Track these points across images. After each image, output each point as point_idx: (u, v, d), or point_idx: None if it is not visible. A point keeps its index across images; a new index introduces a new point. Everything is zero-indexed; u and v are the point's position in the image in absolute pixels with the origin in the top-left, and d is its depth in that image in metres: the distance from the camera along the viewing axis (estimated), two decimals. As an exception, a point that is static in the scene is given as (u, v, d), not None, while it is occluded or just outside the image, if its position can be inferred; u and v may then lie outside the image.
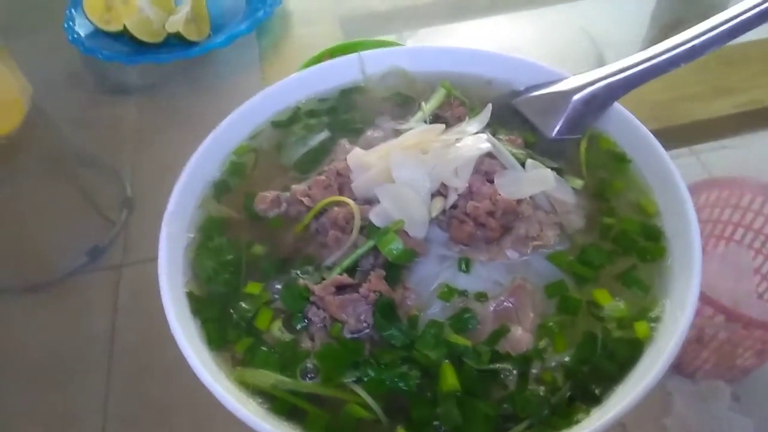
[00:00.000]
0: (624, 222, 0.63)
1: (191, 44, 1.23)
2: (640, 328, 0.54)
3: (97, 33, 1.25)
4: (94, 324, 0.83)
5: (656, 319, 0.54)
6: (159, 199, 0.94)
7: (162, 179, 0.97)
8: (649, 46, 0.69)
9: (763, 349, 0.76)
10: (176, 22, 1.20)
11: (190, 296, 0.59)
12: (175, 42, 1.23)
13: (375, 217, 0.60)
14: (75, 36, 1.24)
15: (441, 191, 0.63)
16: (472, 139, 0.64)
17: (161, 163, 0.99)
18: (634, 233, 0.61)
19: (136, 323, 0.82)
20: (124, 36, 1.23)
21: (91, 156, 1.11)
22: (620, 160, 0.68)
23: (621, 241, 0.61)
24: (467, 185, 0.61)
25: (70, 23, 1.26)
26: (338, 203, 0.63)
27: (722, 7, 0.67)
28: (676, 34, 0.68)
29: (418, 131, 0.65)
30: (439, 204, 0.62)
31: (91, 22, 1.25)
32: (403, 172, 0.61)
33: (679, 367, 0.81)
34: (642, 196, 0.65)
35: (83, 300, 0.87)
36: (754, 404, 0.77)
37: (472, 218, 0.60)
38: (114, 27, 1.24)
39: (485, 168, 0.63)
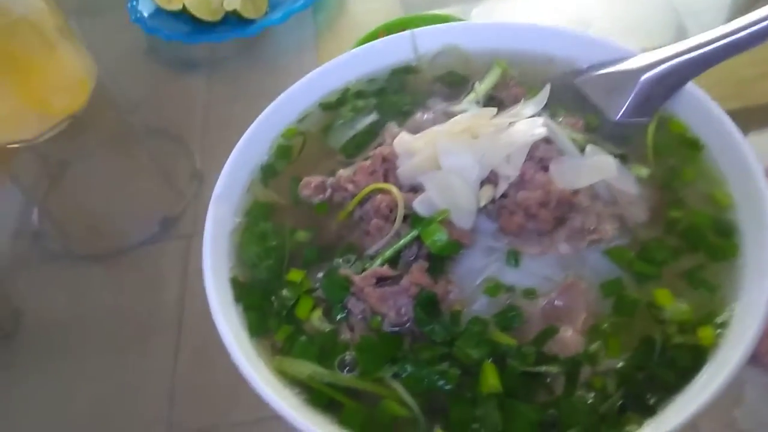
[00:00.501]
0: (693, 215, 0.57)
1: (249, 22, 1.22)
2: (705, 333, 0.49)
3: (159, 12, 1.27)
4: (165, 291, 0.86)
5: (723, 325, 0.50)
6: None
7: (229, 150, 1.00)
8: (737, 16, 0.62)
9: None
10: (234, 1, 1.20)
11: (234, 282, 0.59)
12: (233, 20, 1.23)
13: (419, 205, 0.58)
14: (138, 16, 1.26)
15: (491, 179, 0.59)
16: (527, 124, 0.60)
17: (228, 137, 1.01)
18: (704, 228, 0.56)
19: (204, 292, 0.84)
20: (184, 15, 1.24)
21: (160, 130, 1.14)
22: (692, 146, 0.62)
23: (689, 237, 0.56)
24: (519, 173, 0.58)
25: (133, 3, 1.28)
26: (382, 190, 0.61)
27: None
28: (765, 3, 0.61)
29: (468, 116, 0.61)
30: (488, 193, 0.58)
31: (153, 2, 1.27)
32: (450, 159, 0.58)
33: (753, 357, 0.75)
34: (715, 187, 0.59)
35: (155, 268, 0.90)
36: None
37: (523, 209, 0.56)
38: (174, 6, 1.25)
39: (540, 154, 0.59)
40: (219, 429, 0.72)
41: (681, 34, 1.12)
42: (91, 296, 0.90)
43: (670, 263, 0.55)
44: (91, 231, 1.02)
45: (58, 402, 0.78)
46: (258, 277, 0.60)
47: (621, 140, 0.64)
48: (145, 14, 1.27)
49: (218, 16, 1.22)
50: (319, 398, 0.51)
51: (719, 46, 0.61)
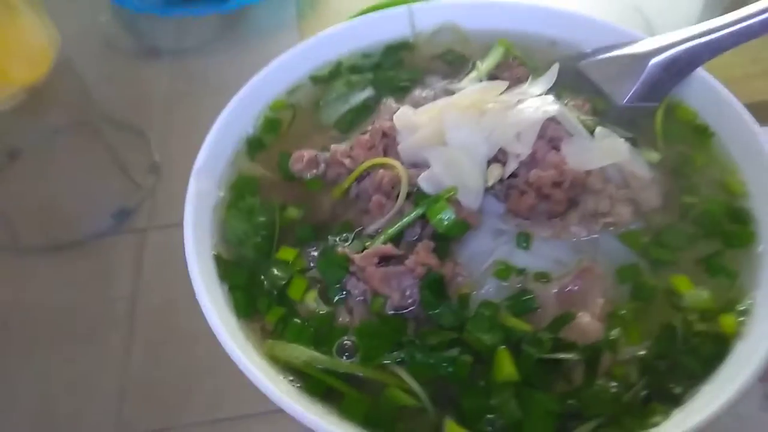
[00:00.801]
0: (707, 202, 0.55)
1: (226, -1, 1.16)
2: (727, 321, 0.47)
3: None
4: (117, 286, 0.81)
5: (745, 313, 0.47)
6: (186, 164, 0.91)
7: (190, 144, 0.94)
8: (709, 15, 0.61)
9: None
10: (211, -26, 1.13)
11: (218, 259, 0.54)
12: (210, -5, 1.17)
13: (424, 182, 0.54)
14: (107, -14, 1.18)
15: (498, 158, 0.56)
16: (538, 101, 0.57)
17: (190, 129, 0.95)
18: (719, 215, 0.54)
19: (159, 287, 0.79)
20: (156, -13, 1.17)
21: (118, 119, 1.07)
22: (702, 133, 0.60)
23: (703, 223, 0.54)
24: (531, 151, 0.54)
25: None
26: (383, 166, 0.56)
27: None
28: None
29: (476, 88, 0.58)
30: (496, 172, 0.55)
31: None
32: (458, 134, 0.55)
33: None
34: (727, 175, 0.57)
35: (107, 262, 0.85)
36: None
37: (535, 189, 0.53)
38: (147, -22, 1.18)
39: (550, 134, 0.56)
40: (172, 430, 0.67)
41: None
42: (37, 290, 0.83)
43: (686, 249, 0.52)
44: (40, 221, 0.94)
45: (0, 402, 0.71)
46: (244, 254, 0.55)
47: (628, 125, 0.62)
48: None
49: (194, -9, 1.16)
50: (316, 386, 0.46)
51: (731, 32, 0.60)
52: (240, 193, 0.59)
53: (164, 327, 0.75)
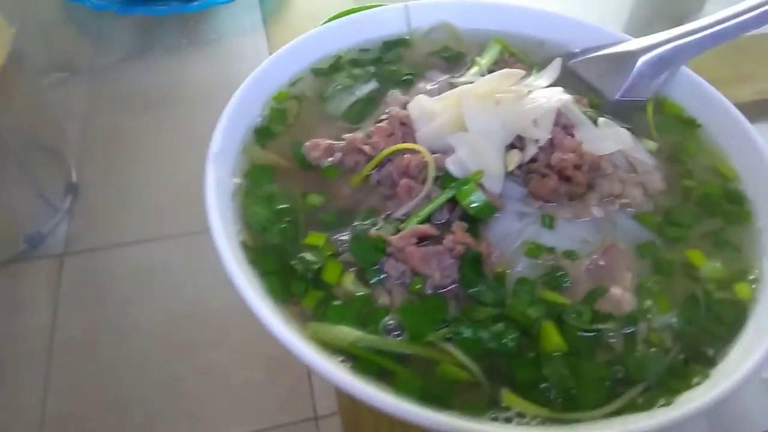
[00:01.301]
0: (705, 185, 0.60)
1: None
2: (742, 289, 0.51)
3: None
4: (32, 316, 0.73)
5: (756, 281, 0.51)
6: (107, 186, 0.86)
7: (111, 164, 0.89)
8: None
9: None
10: (175, -26, 1.10)
11: (245, 246, 0.52)
12: (171, -5, 1.13)
13: (452, 165, 0.55)
14: (57, -19, 1.12)
15: (516, 144, 0.58)
16: (549, 91, 0.60)
17: (109, 148, 0.91)
18: (716, 196, 0.59)
19: (79, 316, 0.73)
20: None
21: (33, 137, 0.98)
22: (690, 124, 0.66)
23: (705, 204, 0.58)
24: (549, 137, 0.57)
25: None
26: (407, 151, 0.57)
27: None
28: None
29: (493, 76, 0.60)
30: (516, 157, 0.57)
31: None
32: (477, 121, 0.56)
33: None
34: (718, 161, 0.62)
35: (21, 290, 0.77)
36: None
37: (557, 171, 0.55)
38: (102, -24, 1.13)
39: (563, 121, 0.59)
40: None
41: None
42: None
43: (694, 227, 0.56)
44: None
45: None
46: (270, 241, 0.53)
47: (621, 118, 0.66)
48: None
49: (155, -10, 1.12)
50: (367, 366, 0.45)
51: (711, 33, 0.66)
52: (256, 180, 0.58)
53: (86, 358, 0.69)
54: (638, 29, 1.19)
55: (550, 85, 0.63)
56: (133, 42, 1.13)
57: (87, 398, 0.65)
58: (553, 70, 0.64)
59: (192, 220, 0.79)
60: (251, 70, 1.01)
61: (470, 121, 0.56)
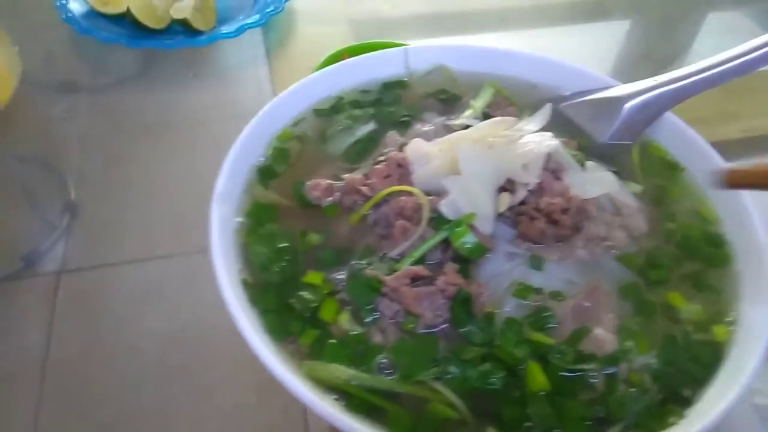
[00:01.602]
0: (685, 228, 0.62)
1: (195, 33, 1.17)
2: (719, 331, 0.53)
3: (94, 14, 1.18)
4: (27, 334, 0.75)
5: (733, 323, 0.54)
6: (104, 205, 0.88)
7: (110, 184, 0.91)
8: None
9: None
10: (183, 9, 1.15)
11: (246, 284, 0.54)
12: (179, 29, 1.18)
13: (445, 207, 0.58)
14: (69, 15, 1.16)
15: (506, 187, 0.61)
16: (539, 136, 0.63)
17: (106, 167, 0.94)
18: (697, 239, 0.61)
19: (74, 335, 0.74)
20: (123, 19, 1.17)
21: (32, 154, 1.00)
22: (673, 168, 0.68)
23: (686, 246, 0.61)
24: (538, 181, 0.59)
25: (62, 1, 1.18)
26: (403, 193, 0.60)
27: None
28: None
29: (487, 123, 0.63)
30: (506, 199, 0.59)
31: (87, 2, 1.18)
32: (471, 165, 0.59)
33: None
34: (699, 205, 0.65)
35: (15, 308, 0.78)
36: None
37: (545, 215, 0.58)
38: (112, 9, 1.17)
39: (552, 166, 0.62)
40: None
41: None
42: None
43: (675, 269, 0.59)
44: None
45: None
46: (270, 279, 0.56)
47: (608, 161, 0.69)
48: (77, 14, 1.17)
49: (163, 24, 1.16)
50: (360, 404, 0.47)
51: (694, 81, 0.69)
52: (258, 220, 0.60)
53: (79, 379, 0.70)
54: (626, 70, 1.24)
55: (541, 130, 0.66)
56: (137, 70, 1.17)
57: (79, 419, 0.67)
58: (543, 115, 0.67)
59: (187, 241, 0.83)
60: (252, 100, 1.05)
61: (464, 164, 0.59)
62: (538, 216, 0.58)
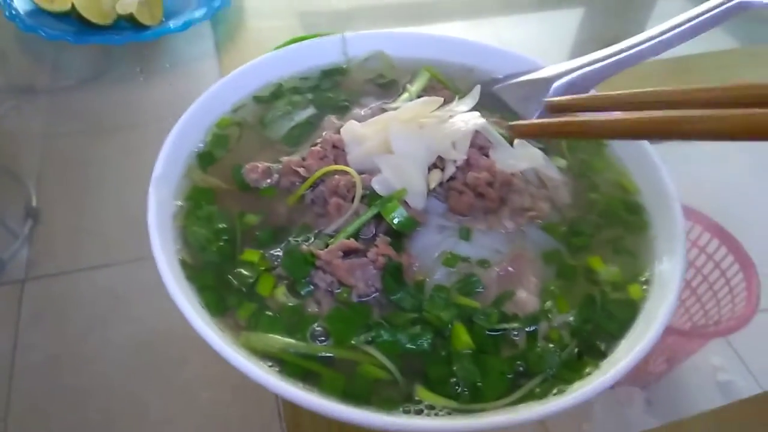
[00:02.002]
0: (607, 198, 0.66)
1: (143, 28, 1.17)
2: (634, 290, 0.57)
3: (39, 11, 1.17)
4: None
5: (647, 282, 0.58)
6: (67, 210, 0.88)
7: (70, 188, 0.91)
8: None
9: (673, 356, 0.81)
10: (128, 4, 1.14)
11: (183, 264, 0.56)
12: (126, 25, 1.18)
13: (377, 184, 0.60)
14: (12, 13, 1.15)
15: (437, 164, 0.64)
16: (467, 116, 0.66)
17: (69, 172, 0.94)
18: (617, 208, 0.65)
19: (41, 342, 0.74)
20: (69, 16, 1.16)
21: None
22: (597, 144, 0.72)
23: (606, 215, 0.65)
24: (465, 158, 0.62)
25: (6, 0, 1.17)
26: (338, 172, 0.62)
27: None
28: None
29: (416, 103, 0.65)
30: (437, 176, 0.62)
31: (31, 0, 1.17)
32: (402, 144, 0.62)
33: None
34: (621, 176, 0.69)
35: None
36: (665, 407, 0.82)
37: (472, 188, 0.61)
38: (57, 7, 1.17)
39: (479, 143, 0.65)
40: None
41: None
42: None
43: (595, 236, 0.62)
44: None
45: None
46: (208, 259, 0.57)
47: (537, 139, 0.72)
48: (21, 12, 1.16)
49: (109, 20, 1.16)
50: (295, 370, 0.50)
51: (614, 61, 0.72)
52: (197, 202, 0.62)
53: (48, 386, 0.70)
54: (582, 54, 1.29)
55: (473, 110, 0.69)
56: (88, 69, 1.16)
57: (49, 424, 0.67)
58: (472, 97, 0.70)
59: (149, 245, 0.82)
60: (202, 96, 1.04)
61: (396, 144, 0.62)
62: (465, 190, 0.61)
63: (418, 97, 0.76)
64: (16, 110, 1.09)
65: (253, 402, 0.69)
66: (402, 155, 0.62)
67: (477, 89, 0.71)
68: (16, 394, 0.69)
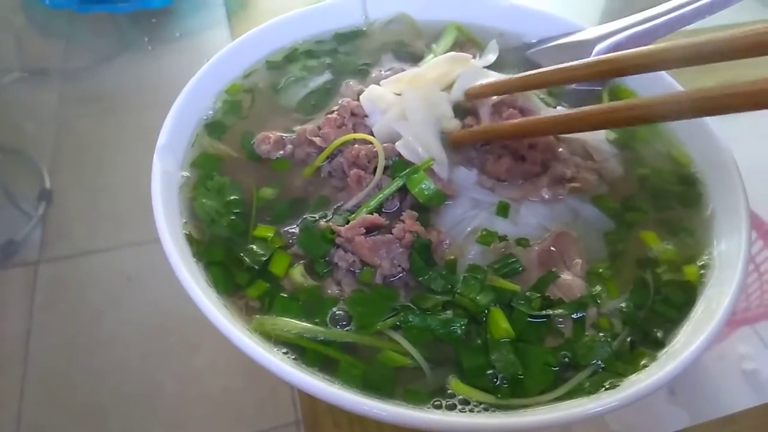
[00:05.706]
0: (657, 170, 0.60)
1: (150, -4, 1.12)
2: (690, 271, 0.51)
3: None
4: (6, 325, 0.72)
5: (704, 266, 0.51)
6: (80, 192, 0.84)
7: (83, 169, 0.87)
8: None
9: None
10: (136, -30, 1.09)
11: (190, 238, 0.50)
12: (132, -7, 1.12)
13: (403, 148, 0.54)
14: (15, -20, 1.10)
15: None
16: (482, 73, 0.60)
17: (84, 152, 0.89)
18: (671, 180, 0.59)
19: (55, 324, 0.72)
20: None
21: (3, 143, 0.96)
22: (645, 112, 0.65)
23: (659, 189, 0.58)
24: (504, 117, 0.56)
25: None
26: (357, 141, 0.56)
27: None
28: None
29: (443, 59, 0.59)
30: (453, 123, 0.57)
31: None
32: (415, 113, 0.56)
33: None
34: (673, 148, 0.62)
35: None
36: (688, 396, 0.77)
37: (512, 150, 0.55)
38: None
39: (521, 104, 0.59)
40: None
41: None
42: None
43: (650, 212, 0.56)
44: None
45: None
46: (217, 233, 0.52)
47: (578, 105, 0.66)
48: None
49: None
50: (313, 357, 0.44)
51: (666, 20, 0.65)
52: (206, 172, 0.57)
53: (62, 367, 0.68)
54: (616, 12, 1.20)
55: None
56: (98, 46, 1.11)
57: (63, 407, 0.64)
58: (492, 51, 0.64)
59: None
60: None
61: (409, 113, 0.56)
62: (504, 153, 0.55)
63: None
64: (28, 91, 1.05)
65: (267, 391, 0.64)
66: (416, 124, 0.56)
67: (494, 43, 0.66)
68: (31, 375, 0.67)
